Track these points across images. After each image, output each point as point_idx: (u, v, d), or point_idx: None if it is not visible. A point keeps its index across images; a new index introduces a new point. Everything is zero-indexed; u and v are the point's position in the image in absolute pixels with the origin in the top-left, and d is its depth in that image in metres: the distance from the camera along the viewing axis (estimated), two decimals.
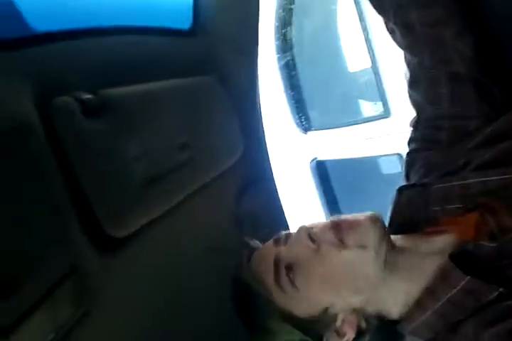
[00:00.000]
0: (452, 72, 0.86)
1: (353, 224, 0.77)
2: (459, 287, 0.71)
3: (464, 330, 0.70)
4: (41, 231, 0.62)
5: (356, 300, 0.77)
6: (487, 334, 0.65)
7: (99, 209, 0.69)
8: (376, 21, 3.05)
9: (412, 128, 0.95)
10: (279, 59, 3.17)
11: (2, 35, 0.65)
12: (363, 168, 3.58)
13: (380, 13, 0.91)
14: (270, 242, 0.84)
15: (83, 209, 0.69)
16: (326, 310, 0.78)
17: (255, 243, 0.90)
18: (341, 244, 0.75)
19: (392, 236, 0.82)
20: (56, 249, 0.63)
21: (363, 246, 0.75)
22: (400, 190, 0.89)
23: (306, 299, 0.78)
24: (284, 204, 1.37)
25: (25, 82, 0.65)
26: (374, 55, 3.11)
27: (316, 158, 3.44)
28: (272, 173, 1.34)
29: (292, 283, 0.77)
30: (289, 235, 0.83)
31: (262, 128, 1.30)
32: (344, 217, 0.80)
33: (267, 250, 0.83)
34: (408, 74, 0.94)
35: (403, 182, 0.96)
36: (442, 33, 0.84)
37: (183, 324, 0.87)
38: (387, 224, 0.88)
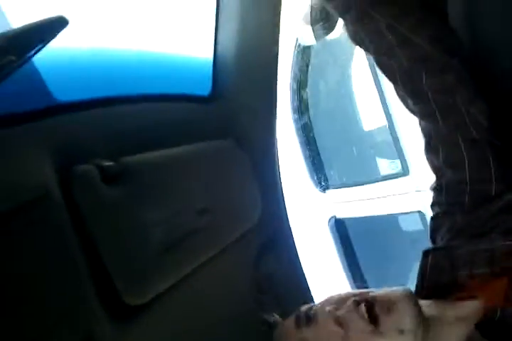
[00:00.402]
0: (467, 137, 0.86)
1: (389, 307, 0.71)
2: None
3: None
4: (58, 299, 0.61)
5: None
6: None
7: (116, 277, 0.68)
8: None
9: (433, 192, 0.94)
10: (296, 120, 3.22)
11: (26, 106, 0.67)
12: (383, 226, 3.53)
13: (391, 80, 0.92)
14: (292, 322, 0.79)
15: (101, 277, 0.68)
16: None
17: (275, 319, 0.87)
18: (376, 330, 0.71)
19: (422, 302, 0.79)
20: (72, 317, 0.62)
21: (400, 331, 0.71)
22: (426, 253, 0.87)
23: None
24: (304, 264, 1.34)
25: (48, 151, 0.66)
26: (390, 113, 3.15)
27: (334, 216, 3.41)
28: (292, 234, 1.32)
29: None
30: (311, 314, 0.77)
31: (281, 189, 1.30)
32: (375, 295, 0.74)
33: (290, 333, 0.78)
34: (424, 140, 0.94)
35: (429, 244, 0.94)
36: (455, 100, 0.84)
37: None
38: (415, 287, 0.85)
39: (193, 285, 0.87)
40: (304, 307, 0.80)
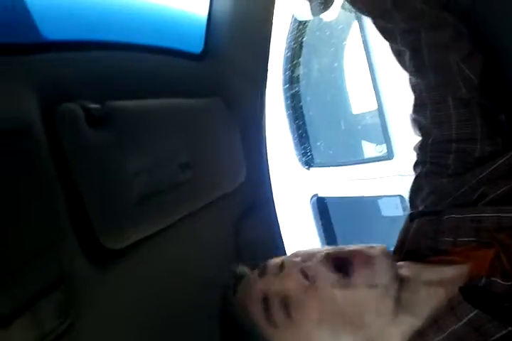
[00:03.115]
0: (457, 95, 0.86)
1: (365, 261, 0.70)
2: (465, 320, 0.67)
3: None
4: (33, 238, 0.60)
5: (356, 337, 0.73)
6: None
7: (95, 218, 0.68)
8: (383, 63, 3.12)
9: (417, 152, 0.94)
10: (285, 90, 3.20)
11: (13, 40, 0.65)
12: (364, 208, 3.56)
13: (386, 36, 0.92)
14: (256, 273, 0.79)
15: (79, 218, 0.67)
16: None
17: (242, 270, 0.86)
18: (345, 281, 0.70)
19: (398, 264, 0.80)
20: (46, 256, 0.61)
21: (372, 285, 0.70)
22: (411, 217, 0.86)
23: (302, 334, 0.73)
24: (283, 235, 1.35)
25: (33, 87, 0.64)
26: (380, 97, 3.15)
27: (316, 195, 3.43)
28: (273, 202, 1.33)
29: (286, 319, 0.72)
30: (279, 264, 0.77)
31: (266, 155, 1.30)
32: (351, 248, 0.73)
33: (253, 283, 0.78)
34: (413, 99, 0.94)
35: (408, 209, 0.94)
36: (448, 57, 0.84)
37: None
38: (393, 250, 0.86)
39: (173, 238, 0.87)
40: (271, 260, 0.80)
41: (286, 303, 0.73)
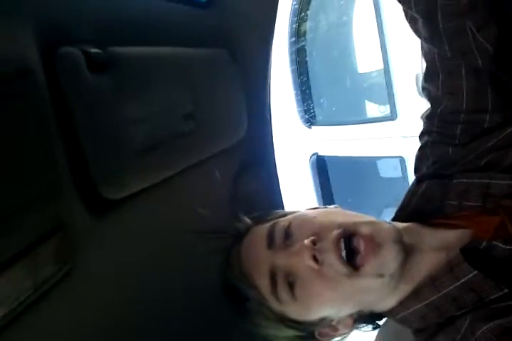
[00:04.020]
0: (471, 65, 0.84)
1: (372, 251, 0.69)
2: (463, 280, 0.68)
3: (460, 325, 0.67)
4: (31, 184, 0.59)
5: (356, 309, 0.77)
6: (481, 330, 0.63)
7: (95, 167, 0.67)
8: (392, 21, 3.04)
9: (424, 121, 0.93)
10: (291, 44, 3.12)
11: None
12: (363, 168, 3.56)
13: (404, 3, 0.88)
14: (263, 240, 0.77)
15: (78, 166, 0.66)
16: (324, 317, 0.76)
17: (245, 224, 0.85)
18: (354, 273, 0.70)
19: (400, 224, 0.79)
20: (45, 203, 0.61)
21: (380, 275, 0.70)
22: (420, 179, 0.85)
23: (305, 310, 0.76)
24: (282, 190, 1.34)
25: (32, 29, 0.62)
26: (387, 56, 3.09)
27: (316, 153, 3.42)
28: (274, 158, 1.32)
29: (292, 297, 0.73)
30: (288, 234, 0.75)
31: (269, 110, 1.28)
32: (360, 228, 0.71)
33: (260, 253, 0.76)
34: (424, 67, 0.92)
35: (408, 183, 0.93)
36: (464, 25, 0.81)
37: (166, 295, 0.84)
38: (396, 210, 0.86)
39: (172, 190, 0.87)
40: (280, 224, 0.77)
41: (291, 282, 0.73)
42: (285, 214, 0.83)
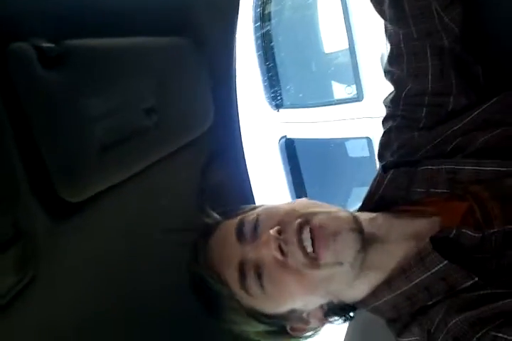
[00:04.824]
0: (436, 45, 0.83)
1: (327, 240, 0.70)
2: (433, 270, 0.68)
3: (433, 315, 0.68)
4: None
5: (324, 300, 0.77)
6: (454, 321, 0.63)
7: (53, 169, 0.63)
8: (357, 1, 3.02)
9: (387, 106, 0.92)
10: (256, 29, 3.08)
11: None
12: (331, 149, 3.58)
13: None
14: (233, 234, 0.77)
15: (36, 169, 0.63)
16: (293, 310, 0.76)
17: (213, 219, 0.85)
18: (314, 263, 0.71)
19: (366, 214, 0.79)
20: (1, 210, 0.57)
21: (339, 263, 0.71)
22: (386, 167, 0.85)
23: (274, 302, 0.76)
24: (251, 177, 1.33)
25: None
26: (352, 36, 3.08)
27: (285, 136, 3.42)
28: (242, 146, 1.30)
29: (261, 287, 0.73)
30: (256, 226, 0.76)
31: (236, 99, 1.25)
32: (316, 218, 0.72)
33: (230, 246, 0.77)
34: (389, 49, 0.91)
35: (376, 163, 0.93)
36: (430, 5, 0.80)
37: (135, 297, 0.82)
38: (363, 199, 0.85)
39: (137, 188, 0.84)
40: (249, 217, 0.77)
41: (259, 273, 0.73)
42: (254, 208, 0.82)
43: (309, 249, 0.71)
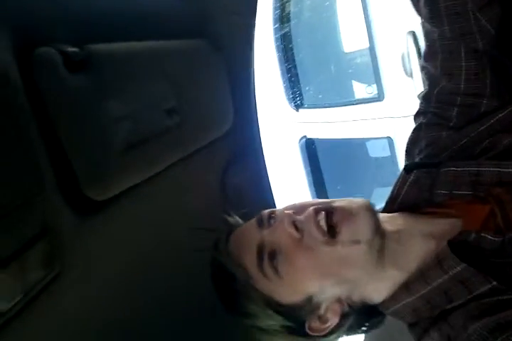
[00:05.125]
0: (471, 46, 0.82)
1: (346, 218, 0.72)
2: (451, 273, 0.68)
3: (453, 321, 0.67)
4: (14, 188, 0.58)
5: (342, 290, 0.76)
6: (473, 327, 0.63)
7: (78, 169, 0.66)
8: (377, 0, 3.00)
9: (420, 101, 0.91)
10: (276, 30, 3.09)
11: None
12: (352, 149, 3.57)
13: None
14: (253, 223, 0.80)
15: (62, 168, 0.65)
16: (310, 298, 0.76)
17: (236, 220, 0.87)
18: (331, 240, 0.72)
19: (389, 215, 0.79)
20: (30, 207, 0.60)
21: (356, 241, 0.72)
22: (409, 169, 0.85)
23: (290, 287, 0.75)
24: (271, 179, 1.34)
25: (5, 29, 0.60)
26: (372, 36, 3.06)
27: (305, 136, 3.41)
28: (262, 148, 1.31)
29: (276, 271, 0.74)
30: (272, 216, 0.78)
31: (255, 100, 1.26)
32: (336, 205, 0.74)
33: (250, 233, 0.79)
34: (425, 46, 0.90)
35: (397, 163, 0.92)
36: (466, 5, 0.79)
37: (158, 294, 0.84)
38: (386, 201, 0.85)
39: (159, 187, 0.86)
40: (266, 211, 0.80)
41: (274, 255, 0.74)
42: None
43: (325, 229, 0.72)
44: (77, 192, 0.67)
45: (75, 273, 0.67)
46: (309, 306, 0.76)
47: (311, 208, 0.74)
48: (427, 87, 0.90)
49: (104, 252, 0.74)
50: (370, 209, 0.74)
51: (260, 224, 0.78)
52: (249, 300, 0.78)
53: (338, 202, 0.75)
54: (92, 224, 0.71)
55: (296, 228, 0.73)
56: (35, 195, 0.61)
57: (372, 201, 0.78)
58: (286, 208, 0.79)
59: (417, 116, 0.91)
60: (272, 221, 0.78)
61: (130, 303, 0.79)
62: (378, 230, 0.72)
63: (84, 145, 0.66)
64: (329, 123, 3.34)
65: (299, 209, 0.76)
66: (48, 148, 0.64)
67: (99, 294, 0.73)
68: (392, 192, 0.85)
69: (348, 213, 0.72)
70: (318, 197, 3.44)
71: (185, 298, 0.89)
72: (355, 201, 0.75)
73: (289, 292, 0.76)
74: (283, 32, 3.12)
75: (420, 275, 0.71)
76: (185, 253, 0.84)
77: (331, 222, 0.72)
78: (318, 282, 0.75)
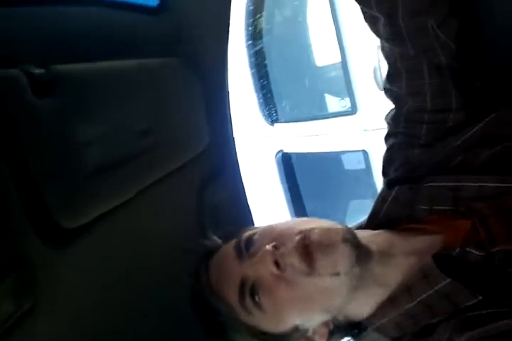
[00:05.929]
0: (433, 62, 0.83)
1: (326, 251, 0.70)
2: (436, 287, 0.67)
3: (437, 335, 0.66)
4: None
5: (327, 316, 0.75)
6: (462, 339, 0.62)
7: (48, 195, 0.63)
8: (348, 15, 3.04)
9: (389, 123, 0.92)
10: (249, 47, 3.11)
11: None
12: (328, 163, 3.58)
13: (364, 4, 0.86)
14: (232, 253, 0.76)
15: (30, 196, 0.62)
16: (296, 327, 0.74)
17: (214, 242, 0.84)
18: (312, 272, 0.70)
19: (369, 232, 0.78)
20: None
21: (335, 274, 0.70)
22: (389, 184, 0.84)
23: (274, 319, 0.74)
24: (248, 195, 1.32)
25: None
26: (344, 50, 3.09)
27: (281, 151, 3.42)
28: (239, 166, 1.29)
29: (258, 306, 0.72)
30: (251, 242, 0.76)
31: (231, 117, 1.24)
32: (316, 234, 0.72)
33: (230, 265, 0.76)
34: (387, 68, 0.90)
35: (373, 175, 0.92)
36: (426, 22, 0.80)
37: (134, 324, 0.81)
38: (368, 216, 0.84)
39: (133, 211, 0.83)
40: (244, 236, 0.77)
41: (255, 290, 0.72)
42: (253, 230, 0.81)
43: (307, 261, 0.70)
44: (48, 220, 0.64)
45: (49, 306, 0.64)
46: (296, 334, 0.75)
47: (296, 240, 0.71)
48: (393, 108, 0.90)
49: (79, 282, 0.70)
50: (348, 239, 0.71)
51: (240, 255, 0.76)
52: (234, 331, 0.76)
53: (317, 231, 0.73)
54: (65, 253, 0.68)
55: (278, 265, 0.71)
56: (3, 225, 0.58)
57: (349, 213, 0.77)
58: (264, 237, 0.75)
59: (387, 137, 0.91)
60: (251, 249, 0.75)
61: (106, 335, 0.75)
62: (357, 261, 0.70)
63: (53, 172, 0.63)
64: (305, 137, 3.35)
65: (279, 239, 0.73)
66: (15, 175, 0.60)
67: (74, 327, 0.70)
68: (374, 207, 0.85)
69: (325, 246, 0.70)
70: (296, 210, 3.44)
71: (164, 324, 0.86)
72: (334, 230, 0.73)
73: (274, 324, 0.75)
74: (256, 48, 3.13)
75: (406, 290, 0.71)
76: (162, 278, 0.81)
77: (312, 254, 0.71)
78: (303, 313, 0.74)
